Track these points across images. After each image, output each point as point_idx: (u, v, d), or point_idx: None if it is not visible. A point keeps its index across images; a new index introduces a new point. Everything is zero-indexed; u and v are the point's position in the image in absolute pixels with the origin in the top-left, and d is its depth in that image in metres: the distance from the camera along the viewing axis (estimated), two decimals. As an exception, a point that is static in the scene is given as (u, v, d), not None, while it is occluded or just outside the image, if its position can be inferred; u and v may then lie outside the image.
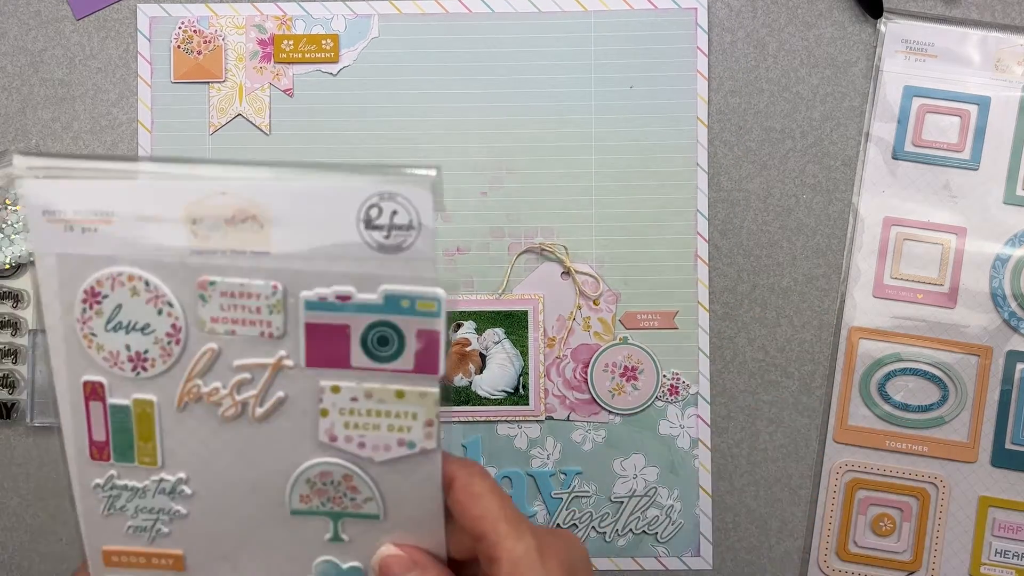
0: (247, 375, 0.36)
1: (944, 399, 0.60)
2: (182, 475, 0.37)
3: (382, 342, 0.35)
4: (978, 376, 0.60)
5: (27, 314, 0.62)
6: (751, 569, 0.61)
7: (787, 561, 0.61)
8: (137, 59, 0.62)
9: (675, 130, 0.61)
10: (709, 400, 0.61)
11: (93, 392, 0.36)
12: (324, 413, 0.36)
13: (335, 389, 0.36)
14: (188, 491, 0.38)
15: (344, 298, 0.34)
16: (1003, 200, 0.60)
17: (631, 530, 0.61)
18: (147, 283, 0.35)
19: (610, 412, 0.61)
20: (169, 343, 0.35)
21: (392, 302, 0.35)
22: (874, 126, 0.61)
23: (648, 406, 0.61)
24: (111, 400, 0.36)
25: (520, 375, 0.61)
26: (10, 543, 0.62)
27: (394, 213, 0.33)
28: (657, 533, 0.61)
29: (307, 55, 0.61)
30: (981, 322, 0.60)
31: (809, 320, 0.61)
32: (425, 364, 0.35)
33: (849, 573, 0.60)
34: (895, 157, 0.61)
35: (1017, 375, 0.60)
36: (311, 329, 0.35)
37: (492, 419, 0.61)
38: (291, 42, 0.61)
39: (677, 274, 0.61)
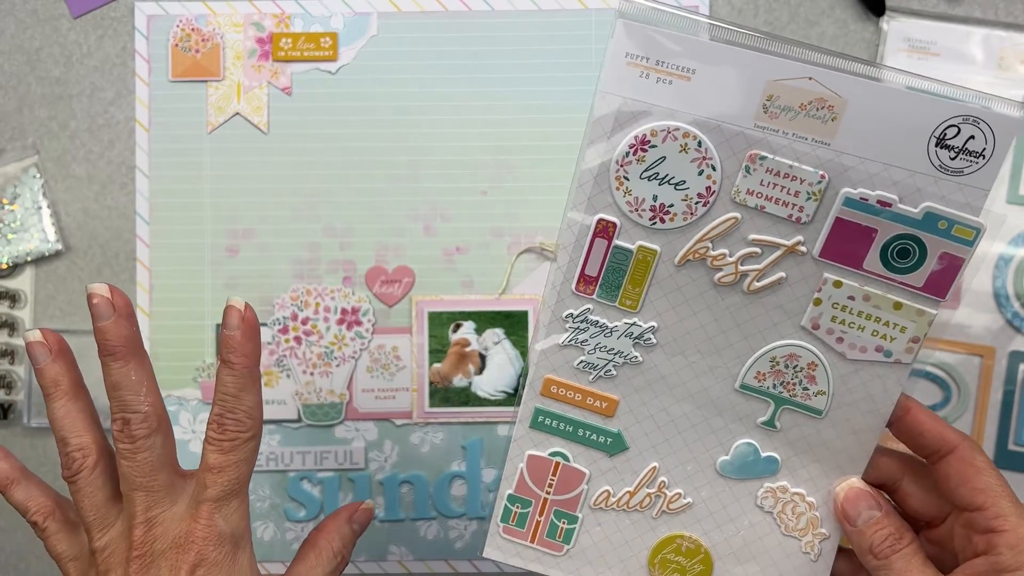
0: (756, 249, 0.38)
1: (947, 400, 0.60)
2: (654, 324, 0.39)
3: (902, 254, 0.37)
4: (981, 377, 0.59)
5: (24, 314, 0.61)
6: (753, 571, 0.60)
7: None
8: (135, 57, 0.61)
9: (676, 129, 0.61)
10: (710, 401, 0.60)
11: (603, 230, 0.38)
12: (817, 302, 0.38)
13: (837, 284, 0.37)
14: (653, 340, 0.40)
15: (885, 204, 0.36)
16: (1006, 199, 0.60)
17: (632, 532, 0.60)
18: (699, 143, 0.36)
19: (611, 413, 0.60)
20: (697, 203, 0.37)
21: (930, 220, 0.36)
22: (876, 125, 0.60)
23: (649, 407, 0.60)
24: (617, 241, 0.38)
25: (520, 376, 0.60)
26: (7, 544, 0.61)
27: (971, 138, 0.35)
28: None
29: (305, 53, 0.61)
30: (984, 322, 0.59)
31: (811, 320, 0.60)
32: (936, 286, 0.37)
33: (851, 575, 0.59)
34: (898, 156, 0.60)
35: (1020, 376, 0.59)
36: (839, 224, 0.36)
37: (492, 420, 0.61)
38: (289, 40, 0.61)
39: (678, 274, 0.60)
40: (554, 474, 0.42)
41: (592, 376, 0.40)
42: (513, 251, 0.61)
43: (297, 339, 0.61)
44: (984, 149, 0.35)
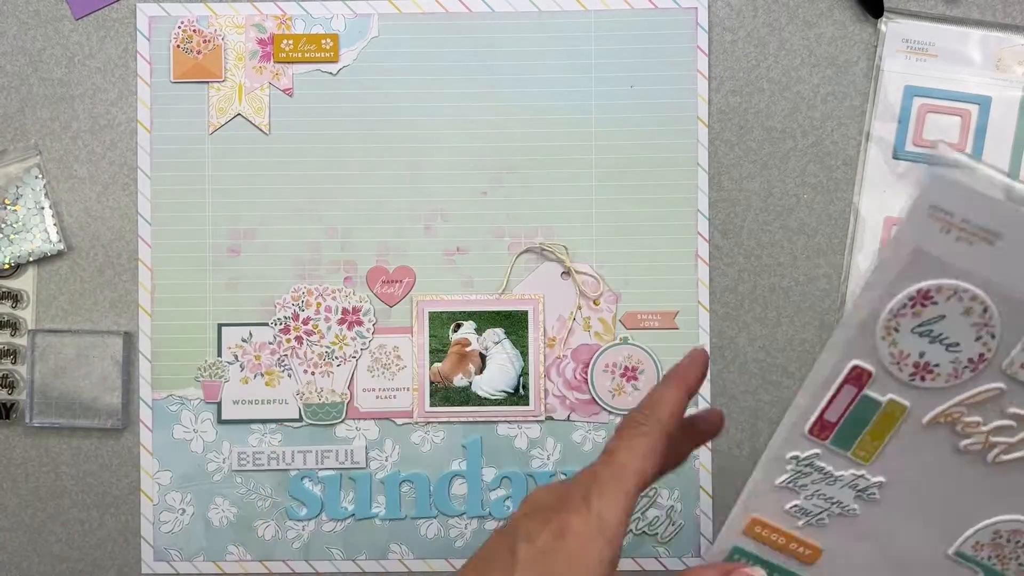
0: (1012, 423, 0.36)
1: (945, 399, 0.60)
2: (882, 479, 0.38)
3: None
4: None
5: (27, 314, 0.61)
6: (752, 569, 0.61)
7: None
8: (136, 58, 0.62)
9: (675, 130, 0.61)
10: (710, 400, 0.61)
11: (855, 378, 0.37)
12: None
13: None
14: (877, 496, 0.38)
15: None
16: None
17: (631, 531, 0.60)
18: (985, 309, 0.35)
19: (610, 412, 0.61)
20: (965, 368, 0.36)
21: None
22: (875, 126, 0.61)
23: (648, 406, 0.60)
24: (868, 391, 0.37)
25: (520, 375, 0.61)
26: (10, 543, 0.62)
27: None
28: (657, 534, 0.60)
29: (307, 55, 0.61)
30: (982, 322, 0.60)
31: (810, 320, 0.61)
32: None
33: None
34: (896, 157, 0.60)
35: (1018, 375, 0.59)
36: None
37: (492, 419, 0.61)
38: (291, 42, 0.61)
39: (678, 274, 0.61)
40: None
41: (802, 522, 0.39)
42: (513, 251, 0.61)
43: (298, 339, 0.61)
44: None
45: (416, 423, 0.61)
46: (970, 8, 0.61)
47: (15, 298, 0.61)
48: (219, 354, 0.61)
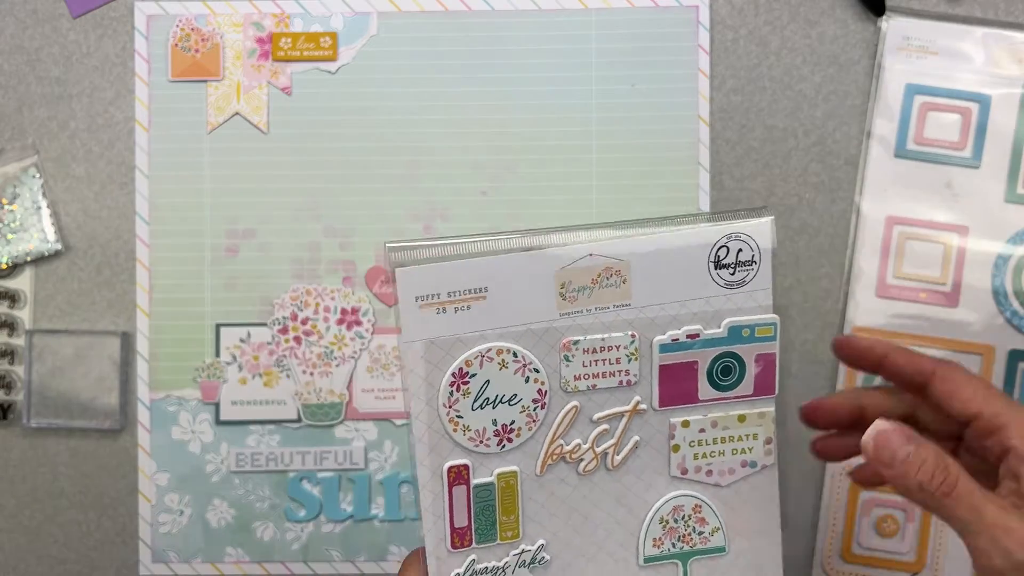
0: (606, 426, 0.38)
1: (947, 399, 0.60)
2: (542, 541, 0.39)
3: (725, 372, 0.39)
4: (981, 375, 0.59)
5: (24, 314, 0.61)
6: (753, 570, 0.60)
7: (790, 563, 0.60)
8: (134, 57, 0.61)
9: (677, 128, 0.61)
10: (711, 400, 0.60)
11: (457, 477, 0.38)
12: (675, 449, 0.39)
13: (685, 424, 0.39)
14: (547, 556, 0.39)
15: (693, 336, 0.38)
16: (1004, 198, 0.60)
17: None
18: (515, 354, 0.37)
19: (611, 412, 0.60)
20: (535, 409, 0.38)
21: (735, 333, 0.38)
22: (876, 124, 0.60)
23: (649, 406, 0.60)
24: (475, 481, 0.38)
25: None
26: (7, 544, 0.61)
27: (739, 251, 0.38)
28: (659, 534, 0.60)
29: (305, 53, 0.61)
30: (983, 321, 0.60)
31: (812, 320, 0.61)
32: (763, 386, 0.39)
33: (853, 575, 0.59)
34: (897, 155, 0.60)
35: (1019, 374, 0.59)
36: (664, 371, 0.38)
37: (492, 420, 0.60)
38: (289, 40, 0.61)
39: (678, 273, 0.60)
40: None
41: None
42: (513, 251, 0.61)
43: (297, 339, 0.61)
44: (753, 255, 0.38)
45: (416, 423, 0.61)
46: (971, 6, 0.61)
47: (12, 298, 0.61)
48: (217, 354, 0.61)
